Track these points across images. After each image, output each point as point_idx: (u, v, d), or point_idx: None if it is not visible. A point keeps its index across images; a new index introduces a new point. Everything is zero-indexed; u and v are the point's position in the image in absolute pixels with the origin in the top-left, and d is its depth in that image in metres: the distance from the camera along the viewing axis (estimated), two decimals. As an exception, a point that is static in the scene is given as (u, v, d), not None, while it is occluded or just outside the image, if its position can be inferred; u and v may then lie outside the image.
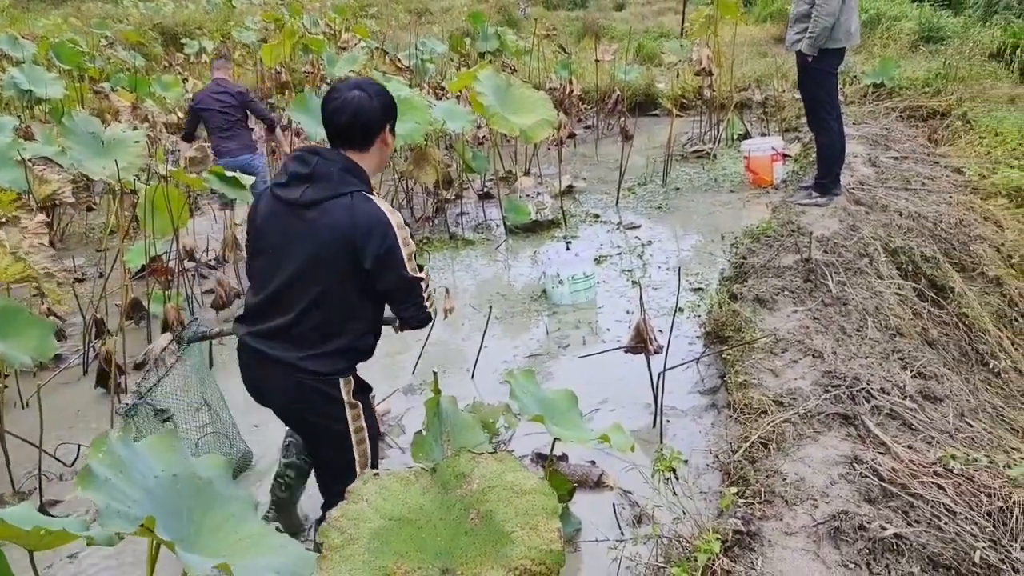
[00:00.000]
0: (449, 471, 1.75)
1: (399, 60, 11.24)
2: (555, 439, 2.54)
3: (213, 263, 6.13)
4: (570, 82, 9.85)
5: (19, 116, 8.28)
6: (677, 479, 2.94)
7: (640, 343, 3.62)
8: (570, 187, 7.56)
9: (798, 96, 6.92)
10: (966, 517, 2.41)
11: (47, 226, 4.57)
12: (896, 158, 7.14)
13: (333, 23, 15.44)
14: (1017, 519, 2.37)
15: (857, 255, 4.70)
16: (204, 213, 7.41)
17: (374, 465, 2.61)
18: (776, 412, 3.17)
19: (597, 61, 9.69)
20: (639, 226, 6.51)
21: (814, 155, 6.44)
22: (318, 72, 10.80)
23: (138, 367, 4.32)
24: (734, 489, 2.77)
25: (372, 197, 2.34)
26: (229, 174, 4.69)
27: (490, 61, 11.50)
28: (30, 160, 5.61)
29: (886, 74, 9.69)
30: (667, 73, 11.22)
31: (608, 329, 4.70)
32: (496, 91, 5.83)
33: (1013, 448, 3.17)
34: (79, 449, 3.67)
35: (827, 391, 3.26)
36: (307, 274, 2.30)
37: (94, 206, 7.45)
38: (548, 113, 5.91)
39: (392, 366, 4.35)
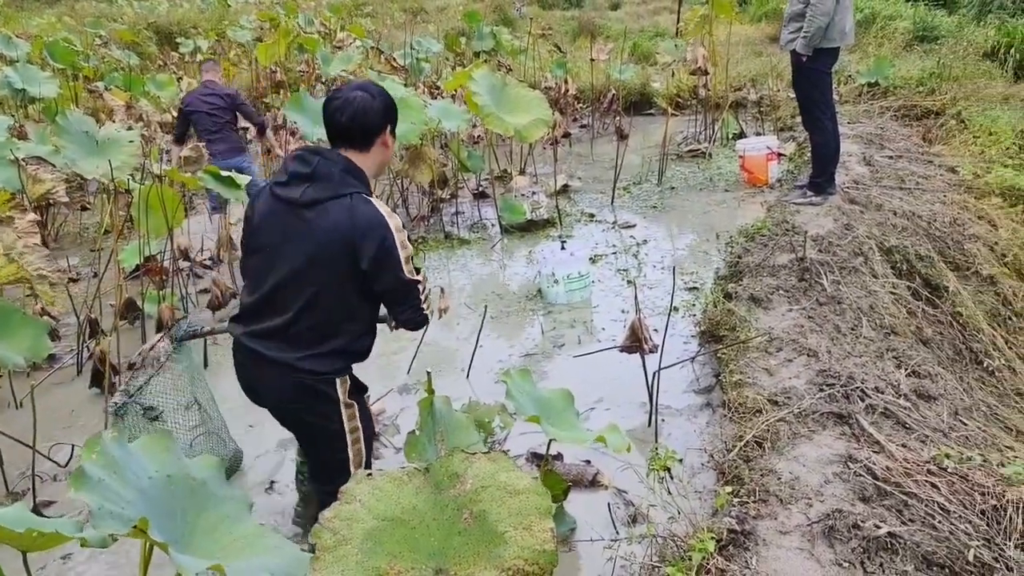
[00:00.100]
0: (442, 471, 1.75)
1: (394, 59, 11.22)
2: (551, 439, 2.54)
3: (208, 263, 6.12)
4: (565, 81, 9.85)
5: (13, 115, 8.25)
6: (672, 478, 2.94)
7: (635, 342, 3.62)
8: (565, 186, 7.56)
9: (793, 95, 6.93)
10: (960, 516, 2.41)
11: (39, 225, 4.55)
12: (890, 157, 7.15)
13: (328, 22, 15.43)
14: (1011, 518, 2.38)
15: (852, 254, 4.71)
16: (199, 212, 7.39)
17: (367, 465, 2.61)
18: (771, 411, 3.18)
19: (592, 60, 9.69)
20: (634, 225, 6.51)
21: (809, 154, 6.45)
22: (313, 71, 10.79)
23: (131, 367, 4.30)
24: (729, 488, 2.77)
25: (371, 199, 2.34)
26: (224, 174, 4.68)
27: (485, 60, 11.51)
28: (23, 159, 5.59)
29: (880, 73, 9.71)
30: (662, 72, 11.23)
31: (603, 328, 4.70)
32: (491, 90, 5.83)
33: (1007, 447, 3.18)
34: (73, 449, 3.66)
35: (821, 390, 3.26)
36: (304, 274, 2.30)
37: (88, 205, 7.43)
38: (543, 112, 5.90)
39: (387, 366, 4.34)
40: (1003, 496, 2.44)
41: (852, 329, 3.90)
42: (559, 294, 5.05)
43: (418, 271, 2.42)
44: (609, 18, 19.31)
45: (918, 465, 2.65)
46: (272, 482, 3.43)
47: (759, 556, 2.38)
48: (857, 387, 3.24)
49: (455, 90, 7.72)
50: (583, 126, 10.57)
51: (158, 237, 4.74)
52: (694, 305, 4.78)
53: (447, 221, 6.88)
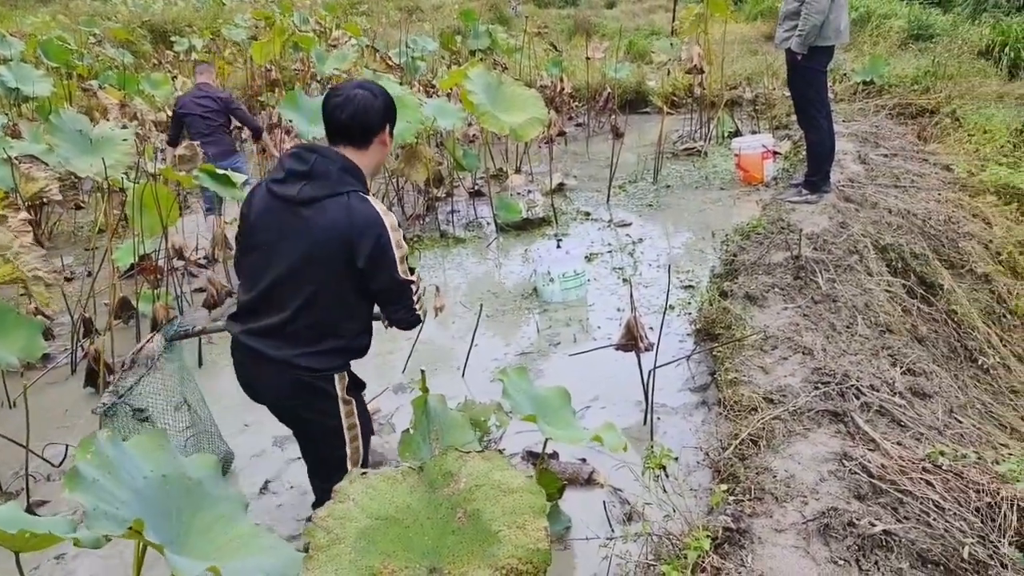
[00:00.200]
0: (436, 470, 1.74)
1: (389, 58, 11.21)
2: (547, 438, 2.53)
3: (203, 262, 6.10)
4: (561, 80, 9.85)
5: (6, 114, 8.22)
6: (667, 476, 2.94)
7: (631, 341, 3.62)
8: (561, 185, 7.55)
9: (788, 94, 6.93)
10: (955, 513, 2.41)
11: (31, 224, 4.53)
12: (885, 155, 7.17)
13: (323, 20, 15.40)
14: (1005, 515, 2.38)
15: (847, 252, 4.71)
16: (194, 211, 7.37)
17: (365, 461, 2.61)
18: (766, 409, 3.18)
19: (588, 59, 9.69)
20: (630, 224, 6.51)
21: (804, 153, 6.46)
22: (308, 70, 10.78)
23: (123, 367, 4.29)
24: (724, 486, 2.77)
25: (368, 197, 2.34)
26: (220, 172, 4.67)
27: (481, 59, 11.51)
28: (17, 158, 5.57)
29: (876, 72, 9.73)
30: (658, 71, 11.23)
31: (599, 327, 4.70)
32: (487, 89, 5.82)
33: (1001, 444, 3.19)
34: (67, 449, 3.65)
35: (817, 388, 3.27)
36: (300, 272, 2.30)
37: (82, 204, 7.40)
38: (539, 111, 5.90)
39: (382, 365, 4.33)
40: (998, 493, 2.44)
41: (847, 327, 3.91)
42: (555, 292, 5.04)
43: (412, 271, 2.42)
44: (605, 16, 19.32)
45: (913, 463, 2.66)
46: (267, 482, 3.42)
47: (755, 554, 2.38)
48: (852, 385, 3.24)
49: (451, 89, 7.70)
50: (579, 125, 10.56)
51: (153, 236, 4.73)
52: (690, 303, 4.78)
53: (443, 220, 6.87)
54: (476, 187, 7.48)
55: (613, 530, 2.91)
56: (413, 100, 5.94)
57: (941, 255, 5.12)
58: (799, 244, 4.65)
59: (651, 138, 8.48)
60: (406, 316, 2.45)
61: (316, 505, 2.58)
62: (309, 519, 1.66)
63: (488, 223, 6.78)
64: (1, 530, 1.51)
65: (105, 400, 2.89)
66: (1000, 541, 2.31)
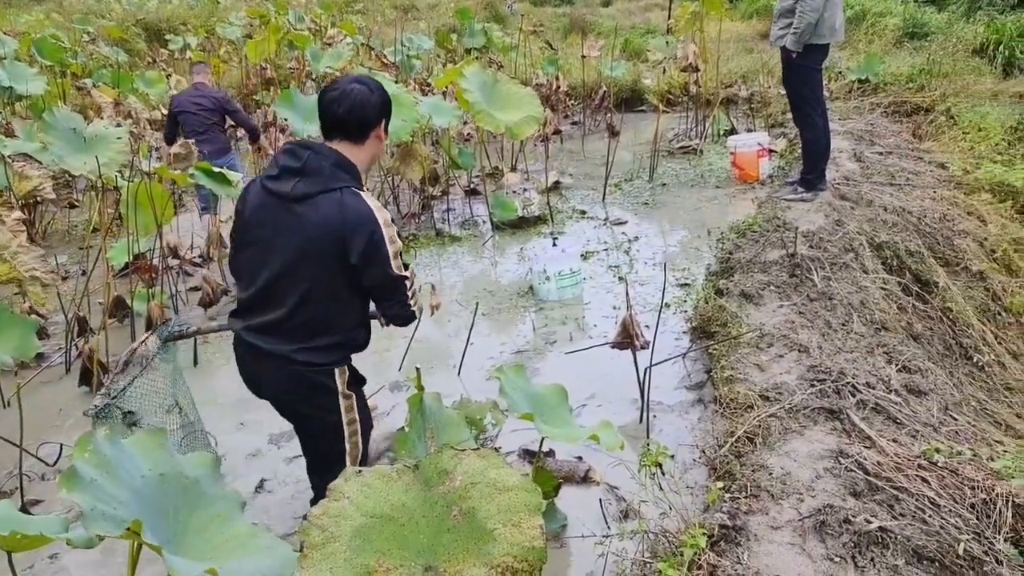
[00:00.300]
0: (432, 468, 1.74)
1: (385, 56, 11.19)
2: (543, 436, 2.53)
3: (198, 260, 6.09)
4: (557, 78, 9.84)
5: (0, 112, 8.20)
6: (663, 474, 2.93)
7: (627, 339, 3.62)
8: (557, 183, 7.55)
9: (783, 92, 6.94)
10: (950, 510, 2.42)
11: (25, 224, 4.51)
12: (881, 153, 7.18)
13: (319, 19, 15.36)
14: (1000, 511, 2.39)
15: (842, 250, 4.72)
16: (188, 210, 7.35)
17: (365, 457, 2.60)
18: (762, 407, 3.18)
19: (583, 57, 9.68)
20: (625, 222, 6.51)
21: (799, 151, 6.46)
22: (303, 68, 10.75)
23: (118, 369, 4.28)
24: (720, 484, 2.78)
25: (361, 193, 2.34)
26: (216, 170, 4.65)
27: (476, 57, 11.50)
28: (10, 156, 5.55)
29: (871, 70, 9.74)
30: (653, 69, 11.23)
31: (595, 325, 4.70)
32: (482, 87, 5.81)
33: (996, 441, 3.20)
34: (61, 448, 3.64)
35: (812, 385, 3.27)
36: (295, 268, 2.30)
37: (77, 203, 7.37)
38: (534, 109, 5.90)
39: (379, 362, 4.33)
40: (993, 490, 2.45)
41: (843, 325, 3.91)
42: (551, 291, 5.04)
43: (406, 267, 2.41)
44: (600, 15, 19.31)
45: (909, 460, 2.66)
46: (263, 480, 3.42)
47: (750, 551, 2.38)
48: (848, 382, 3.24)
49: (446, 87, 7.70)
50: (574, 123, 10.56)
51: (147, 234, 4.72)
52: (685, 301, 4.78)
53: (438, 218, 6.87)
54: (472, 185, 7.47)
55: (609, 528, 2.91)
56: (409, 98, 5.93)
57: (936, 253, 5.13)
58: (795, 242, 4.65)
59: (647, 136, 8.48)
60: (401, 312, 2.45)
61: (314, 502, 2.57)
62: (305, 517, 1.66)
63: (484, 221, 6.78)
64: (-7, 530, 1.51)
65: (96, 402, 2.87)
66: (995, 537, 2.31)
